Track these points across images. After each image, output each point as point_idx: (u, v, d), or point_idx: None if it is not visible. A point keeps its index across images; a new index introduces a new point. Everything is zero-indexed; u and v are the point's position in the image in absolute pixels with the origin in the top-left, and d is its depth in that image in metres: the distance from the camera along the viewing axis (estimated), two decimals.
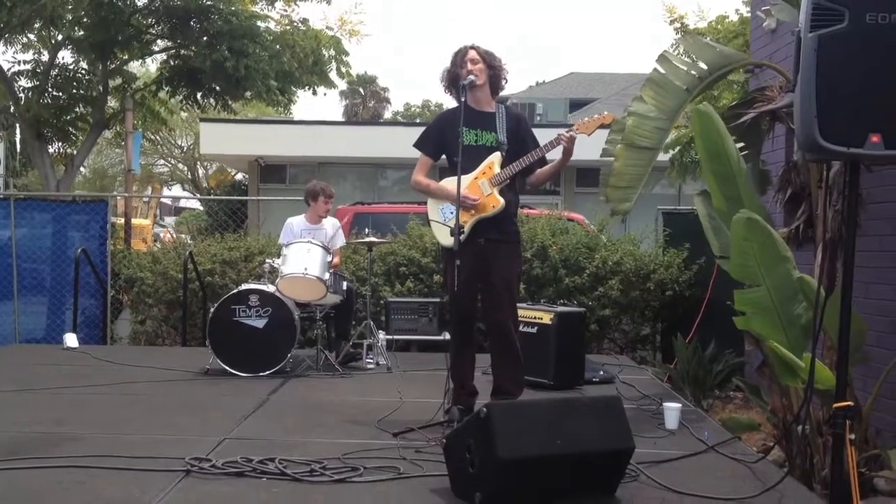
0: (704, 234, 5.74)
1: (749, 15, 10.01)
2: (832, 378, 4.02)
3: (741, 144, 5.87)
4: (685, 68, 5.88)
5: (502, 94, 5.48)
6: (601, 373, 6.92)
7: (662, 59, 5.92)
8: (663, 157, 11.72)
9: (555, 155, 5.18)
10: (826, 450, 4.86)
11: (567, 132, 5.05)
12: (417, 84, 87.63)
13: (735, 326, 4.99)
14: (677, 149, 11.69)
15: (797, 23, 3.52)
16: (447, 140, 5.20)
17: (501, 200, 5.11)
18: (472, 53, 5.19)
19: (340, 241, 7.98)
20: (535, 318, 6.67)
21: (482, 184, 5.13)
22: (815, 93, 3.36)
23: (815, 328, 3.86)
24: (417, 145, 5.41)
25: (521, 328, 6.14)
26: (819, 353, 4.53)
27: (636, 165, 5.74)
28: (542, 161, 5.25)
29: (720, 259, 5.53)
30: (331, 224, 7.93)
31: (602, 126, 5.18)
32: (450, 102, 5.43)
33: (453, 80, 5.23)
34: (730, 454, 4.61)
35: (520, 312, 5.83)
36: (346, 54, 15.31)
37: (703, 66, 5.90)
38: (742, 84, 10.10)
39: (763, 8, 7.90)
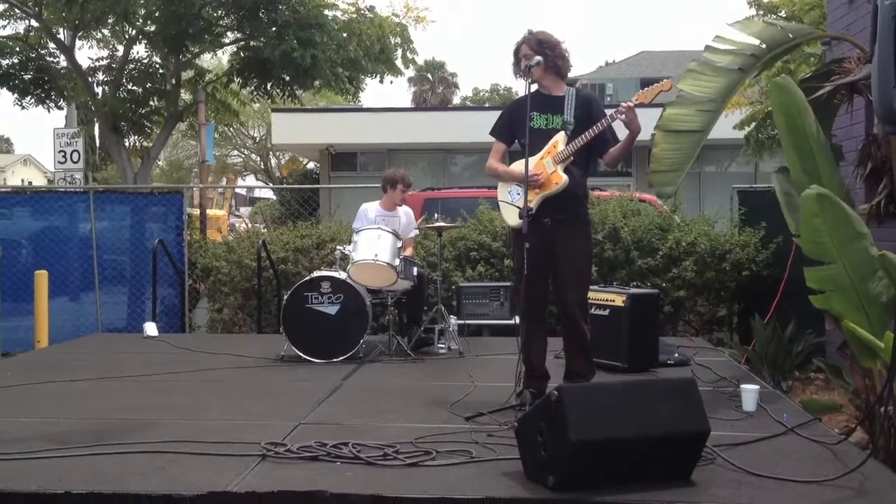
0: (782, 211, 5.60)
1: None
2: None
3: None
4: (736, 49, 5.80)
5: (571, 75, 5.42)
6: (676, 355, 6.79)
7: (708, 49, 5.90)
8: (738, 134, 11.56)
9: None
10: None
11: (625, 103, 4.99)
12: (486, 68, 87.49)
13: (815, 306, 4.85)
14: (752, 125, 11.43)
15: None
16: (518, 125, 5.21)
17: (564, 177, 5.08)
18: (524, 49, 5.21)
19: (413, 230, 8.00)
20: (607, 300, 6.58)
21: (546, 162, 5.12)
22: (894, 62, 3.24)
23: None
24: (492, 132, 5.46)
25: (593, 311, 6.09)
26: None
27: (679, 150, 5.75)
28: (614, 139, 5.20)
29: (797, 237, 5.39)
30: (404, 212, 7.94)
31: (663, 92, 5.11)
32: (519, 85, 5.46)
33: (517, 69, 5.32)
34: (810, 436, 4.48)
35: (592, 295, 5.76)
36: (411, 42, 15.32)
37: (760, 44, 5.78)
38: (819, 56, 9.81)
39: None
